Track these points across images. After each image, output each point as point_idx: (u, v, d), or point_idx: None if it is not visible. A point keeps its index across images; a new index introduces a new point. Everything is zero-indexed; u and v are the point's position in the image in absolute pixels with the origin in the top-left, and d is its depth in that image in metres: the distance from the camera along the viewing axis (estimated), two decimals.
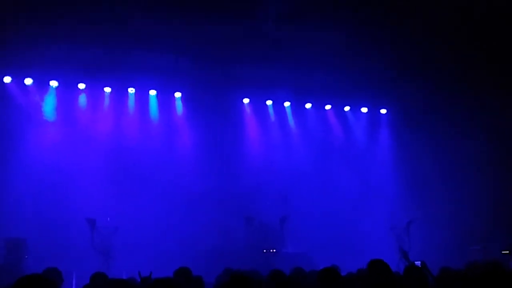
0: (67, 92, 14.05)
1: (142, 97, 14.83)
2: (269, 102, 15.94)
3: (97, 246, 12.41)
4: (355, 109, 16.47)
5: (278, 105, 16.01)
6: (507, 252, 12.99)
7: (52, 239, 12.51)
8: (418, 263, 8.46)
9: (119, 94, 14.61)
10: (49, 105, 13.87)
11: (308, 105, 16.20)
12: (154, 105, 14.90)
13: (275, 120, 15.94)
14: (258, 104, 15.80)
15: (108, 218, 12.68)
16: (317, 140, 15.98)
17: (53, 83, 13.93)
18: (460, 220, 14.25)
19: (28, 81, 13.75)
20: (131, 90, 14.71)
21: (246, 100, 15.68)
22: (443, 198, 14.66)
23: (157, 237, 13.25)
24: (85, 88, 14.22)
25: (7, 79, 13.61)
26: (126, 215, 12.93)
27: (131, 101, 14.72)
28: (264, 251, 13.25)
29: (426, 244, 13.71)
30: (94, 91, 14.33)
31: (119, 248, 12.45)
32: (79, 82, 14.14)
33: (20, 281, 4.10)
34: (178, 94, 15.10)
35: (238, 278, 4.56)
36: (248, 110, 15.74)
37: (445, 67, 14.14)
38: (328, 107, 16.29)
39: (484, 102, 14.29)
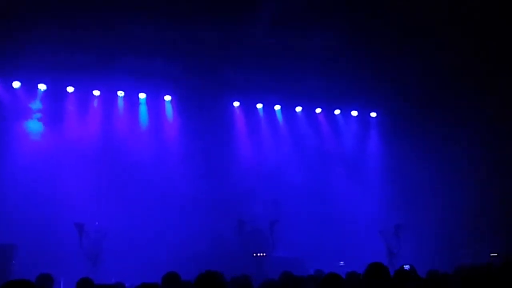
0: (55, 95, 13.93)
1: (131, 100, 14.75)
2: (259, 106, 15.95)
3: (86, 251, 12.31)
4: (345, 112, 16.54)
5: (268, 108, 16.02)
6: (495, 254, 13.10)
7: (41, 244, 12.38)
8: (407, 267, 8.49)
9: (109, 97, 14.51)
10: (37, 109, 13.73)
11: (298, 109, 16.24)
12: (144, 108, 14.84)
13: (265, 123, 15.94)
14: (248, 108, 15.80)
15: (97, 222, 12.60)
16: (307, 144, 16.01)
17: (42, 87, 13.81)
18: (449, 223, 14.35)
19: (16, 84, 13.61)
20: (121, 94, 14.62)
21: (236, 104, 15.67)
22: (432, 201, 14.75)
23: (147, 241, 13.19)
24: (74, 91, 14.11)
25: None
26: (116, 219, 12.81)
27: (120, 105, 14.63)
28: (254, 255, 13.24)
29: (415, 248, 13.82)
30: (83, 94, 14.23)
31: (109, 253, 12.36)
32: (68, 85, 14.03)
33: (6, 285, 4.03)
34: (168, 98, 15.06)
35: (204, 277, 4.52)
36: (238, 113, 15.72)
37: (434, 72, 14.26)
38: (318, 110, 16.33)
39: (473, 108, 14.40)
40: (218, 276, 4.55)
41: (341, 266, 12.65)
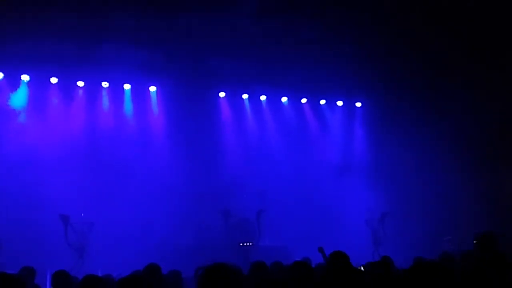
0: (39, 86, 13.80)
1: (116, 91, 14.65)
2: (245, 96, 15.96)
3: (72, 243, 12.29)
4: (331, 102, 16.63)
5: (254, 99, 16.04)
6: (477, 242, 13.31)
7: (26, 236, 12.29)
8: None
9: (93, 88, 14.40)
10: (20, 100, 13.61)
11: (284, 99, 16.29)
12: (129, 99, 14.75)
13: (251, 114, 15.97)
14: (234, 98, 15.80)
15: (82, 214, 12.57)
16: (293, 134, 16.07)
17: (25, 78, 13.66)
18: (432, 212, 14.57)
19: None
20: (105, 84, 14.52)
21: (222, 94, 15.67)
22: (416, 190, 14.94)
23: (133, 233, 13.14)
24: (57, 82, 13.97)
25: None
26: (102, 211, 12.78)
27: (105, 95, 14.52)
28: (241, 244, 13.31)
29: (400, 236, 14.02)
30: (67, 85, 14.10)
31: (95, 244, 12.36)
32: (52, 76, 13.89)
33: None
34: (153, 88, 15.00)
35: (215, 269, 4.00)
36: (224, 104, 15.72)
37: (420, 62, 14.38)
38: (304, 100, 16.40)
39: (459, 98, 14.56)
40: (231, 269, 3.93)
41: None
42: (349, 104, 16.66)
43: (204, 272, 3.96)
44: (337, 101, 16.64)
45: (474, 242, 7.73)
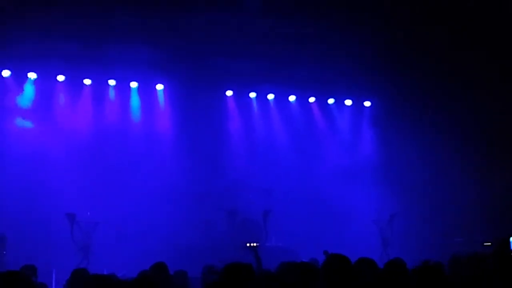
0: (46, 84, 13.81)
1: (123, 89, 14.62)
2: (252, 95, 15.87)
3: (77, 241, 12.29)
4: (339, 101, 16.49)
5: (261, 97, 15.94)
6: (489, 244, 13.18)
7: (32, 235, 12.33)
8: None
9: (100, 86, 14.38)
10: (27, 98, 13.61)
11: (292, 98, 16.17)
12: (135, 97, 14.71)
13: (258, 113, 15.87)
14: (241, 97, 15.71)
15: (88, 213, 12.55)
16: (301, 133, 15.96)
17: (32, 75, 13.66)
18: (442, 213, 14.43)
19: (6, 73, 13.48)
20: (112, 83, 14.49)
21: (229, 93, 15.58)
22: (426, 191, 14.80)
23: (138, 232, 13.09)
24: (64, 80, 13.97)
25: None
26: (107, 210, 12.76)
27: (111, 94, 14.49)
28: (248, 244, 13.23)
29: (409, 237, 13.88)
30: (74, 83, 14.09)
31: (100, 243, 12.33)
32: (58, 74, 13.89)
33: None
34: (160, 86, 14.94)
35: (233, 268, 4.38)
36: (231, 102, 15.63)
37: (428, 62, 14.27)
38: (312, 99, 16.28)
39: (467, 97, 14.42)
40: (246, 267, 4.40)
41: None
42: (357, 103, 16.51)
43: (224, 271, 4.31)
44: (345, 100, 16.49)
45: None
